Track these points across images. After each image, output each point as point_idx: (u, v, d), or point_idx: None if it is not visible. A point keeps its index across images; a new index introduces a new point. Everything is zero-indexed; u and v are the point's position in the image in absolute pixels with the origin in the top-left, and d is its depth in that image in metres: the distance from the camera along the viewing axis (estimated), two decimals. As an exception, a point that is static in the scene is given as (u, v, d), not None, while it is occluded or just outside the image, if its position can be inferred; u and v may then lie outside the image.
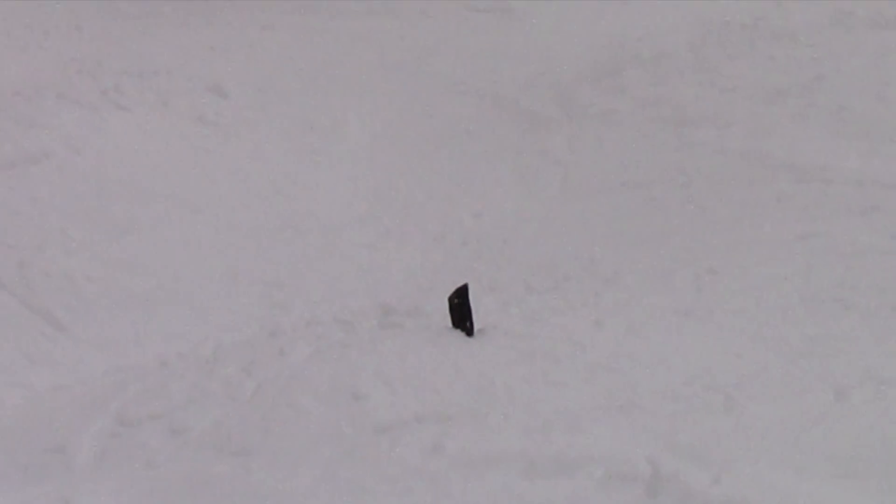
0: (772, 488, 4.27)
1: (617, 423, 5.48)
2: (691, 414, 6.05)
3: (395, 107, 12.15)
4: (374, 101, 12.28)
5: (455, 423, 6.47)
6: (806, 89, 11.38)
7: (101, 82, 12.03)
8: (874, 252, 9.40)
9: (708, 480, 4.37)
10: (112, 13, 12.75)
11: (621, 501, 4.39)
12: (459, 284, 8.56)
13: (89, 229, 10.33)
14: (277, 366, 8.03)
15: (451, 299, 8.48)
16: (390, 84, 12.32)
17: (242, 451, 6.43)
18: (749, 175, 10.79)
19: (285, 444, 6.65)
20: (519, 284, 9.49)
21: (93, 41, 12.66)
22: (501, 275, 9.43)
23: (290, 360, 8.11)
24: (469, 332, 8.40)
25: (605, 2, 13.89)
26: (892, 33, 12.16)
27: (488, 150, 11.56)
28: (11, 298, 9.62)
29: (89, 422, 7.76)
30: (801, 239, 9.85)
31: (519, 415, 6.77)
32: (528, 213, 10.64)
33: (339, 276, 9.81)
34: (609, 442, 4.86)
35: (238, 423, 7.30)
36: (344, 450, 6.08)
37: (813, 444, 4.69)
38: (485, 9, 13.75)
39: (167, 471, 5.73)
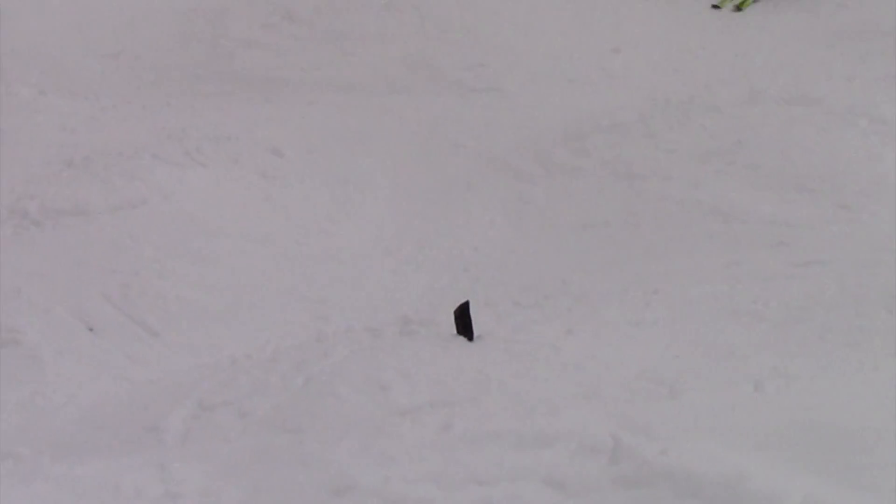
0: (705, 457, 4.30)
1: (585, 407, 5.52)
2: (642, 401, 6.11)
3: (411, 164, 12.18)
4: (395, 160, 12.31)
5: (460, 408, 6.54)
6: (728, 151, 11.43)
7: (186, 145, 12.07)
8: (781, 276, 9.49)
9: (657, 451, 4.41)
10: (195, 92, 12.76)
11: (590, 467, 4.42)
12: (462, 302, 8.62)
13: (176, 259, 10.39)
14: (321, 364, 8.08)
15: (455, 312, 8.52)
16: (408, 147, 12.34)
17: (295, 429, 6.50)
18: (685, 217, 10.82)
19: (328, 423, 6.70)
20: (508, 302, 9.55)
21: (180, 113, 12.68)
22: (494, 294, 9.47)
23: (332, 360, 8.17)
24: (470, 338, 8.44)
25: (574, 84, 13.84)
26: (796, 108, 12.19)
27: (483, 197, 11.58)
28: (117, 312, 9.67)
29: (177, 407, 7.81)
30: (726, 266, 9.91)
31: (509, 401, 6.83)
32: (515, 247, 10.69)
33: (369, 294, 9.87)
34: (579, 422, 4.90)
35: (291, 407, 7.36)
36: (374, 427, 6.15)
37: (737, 424, 4.73)
38: (482, 89, 13.74)
39: (237, 444, 5.77)
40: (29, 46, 14.95)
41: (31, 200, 11.19)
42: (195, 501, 4.69)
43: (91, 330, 9.55)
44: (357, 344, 8.63)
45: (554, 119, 13.03)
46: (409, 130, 13.03)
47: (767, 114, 12.57)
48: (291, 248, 10.74)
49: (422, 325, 8.73)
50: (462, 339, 8.51)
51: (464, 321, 8.62)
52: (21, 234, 10.82)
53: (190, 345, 9.28)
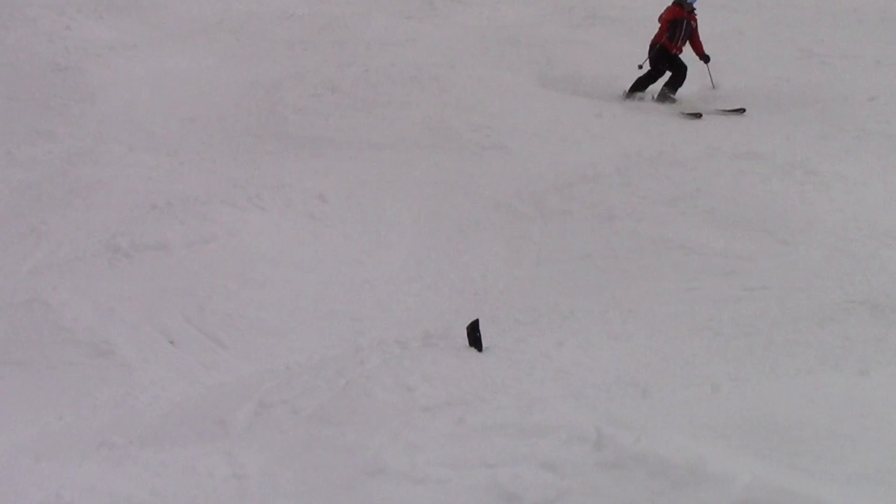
0: (671, 444, 4.30)
1: (573, 405, 5.50)
2: (619, 399, 6.10)
3: (431, 208, 12.18)
4: (418, 204, 12.32)
5: (471, 405, 6.53)
6: (690, 197, 11.42)
7: (248, 192, 12.08)
8: (732, 299, 9.48)
9: (632, 440, 4.39)
10: (256, 149, 12.80)
11: (577, 453, 4.41)
12: (472, 319, 8.60)
13: (240, 285, 10.40)
14: (359, 370, 8.08)
15: (468, 328, 8.50)
16: (428, 193, 12.34)
17: (337, 423, 6.49)
18: (654, 251, 10.82)
19: (364, 418, 6.69)
20: (510, 319, 9.54)
21: (243, 166, 12.73)
22: (499, 313, 9.49)
23: (367, 367, 8.16)
24: (479, 349, 8.42)
25: (564, 142, 13.87)
26: (745, 162, 12.18)
27: (489, 235, 11.60)
28: (193, 328, 9.70)
29: (241, 405, 7.81)
30: (687, 290, 9.89)
31: (511, 400, 6.81)
32: (515, 275, 10.70)
33: (397, 313, 9.91)
34: (569, 416, 4.88)
35: (334, 405, 7.36)
36: (402, 422, 6.12)
37: (697, 418, 4.71)
38: (489, 147, 13.77)
39: (290, 435, 5.77)
40: (121, 113, 15.00)
41: (123, 237, 11.21)
42: (256, 481, 4.69)
43: (172, 343, 9.55)
44: (387, 354, 8.61)
45: (547, 171, 13.03)
46: (429, 180, 13.03)
47: (721, 166, 12.55)
48: (334, 276, 10.74)
49: (440, 339, 8.71)
50: (473, 349, 8.48)
51: (474, 335, 8.61)
52: (115, 265, 10.83)
53: (252, 355, 9.28)
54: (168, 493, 4.55)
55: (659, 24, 16.38)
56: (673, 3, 16.31)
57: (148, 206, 11.93)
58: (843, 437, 4.39)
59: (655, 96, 16.31)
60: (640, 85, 16.42)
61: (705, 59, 16.41)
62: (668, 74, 16.33)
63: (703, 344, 8.43)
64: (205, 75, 16.56)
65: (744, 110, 14.92)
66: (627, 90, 16.44)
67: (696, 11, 16.39)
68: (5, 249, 11.24)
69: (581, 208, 12.05)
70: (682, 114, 15.45)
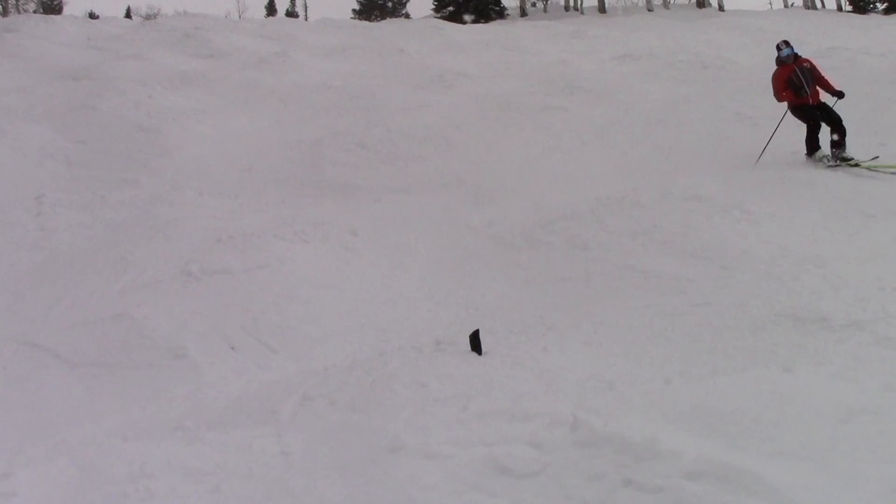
0: (633, 427, 4.30)
1: (554, 396, 5.49)
2: (591, 392, 6.09)
3: (441, 240, 12.23)
4: (431, 238, 12.38)
5: (473, 398, 6.51)
6: (648, 231, 11.48)
7: (294, 228, 12.13)
8: (682, 313, 9.46)
9: (601, 424, 4.39)
10: (300, 193, 12.81)
11: (558, 434, 4.44)
12: (474, 329, 8.62)
13: (288, 302, 10.43)
14: (383, 370, 8.12)
15: (470, 336, 8.52)
16: (439, 229, 12.39)
17: (366, 411, 6.48)
18: (620, 275, 10.83)
19: (388, 407, 6.69)
20: (504, 330, 9.55)
21: (290, 208, 12.82)
22: (495, 325, 9.50)
23: (389, 368, 8.19)
24: (479, 353, 8.43)
25: (547, 188, 13.88)
26: (692, 203, 12.21)
27: (488, 262, 11.65)
28: (250, 337, 9.71)
29: (288, 398, 7.84)
30: (646, 307, 9.87)
31: (505, 393, 6.82)
32: (509, 295, 10.72)
33: (414, 325, 9.91)
34: (551, 405, 4.89)
35: (363, 398, 7.38)
36: (417, 410, 6.11)
37: (654, 407, 4.71)
38: (487, 189, 13.79)
39: (328, 420, 5.77)
40: (192, 165, 15.07)
41: (194, 264, 11.25)
42: (299, 457, 4.72)
43: (233, 348, 9.56)
44: (406, 358, 8.62)
45: (534, 210, 13.06)
46: (439, 218, 13.08)
47: (673, 207, 12.58)
48: (363, 295, 10.75)
49: (448, 345, 8.73)
50: (474, 354, 8.50)
51: (475, 342, 8.63)
52: (187, 286, 10.86)
53: (298, 358, 9.28)
54: (229, 466, 4.57)
55: (774, 87, 14.81)
56: (778, 66, 14.91)
57: (214, 239, 11.98)
58: (770, 421, 4.42)
59: (830, 161, 14.23)
60: (811, 143, 14.60)
61: (839, 95, 14.63)
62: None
63: (659, 349, 8.43)
64: (259, 134, 16.64)
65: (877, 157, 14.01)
66: (807, 154, 14.68)
67: (799, 54, 15.02)
68: (100, 274, 11.28)
69: (561, 240, 12.07)
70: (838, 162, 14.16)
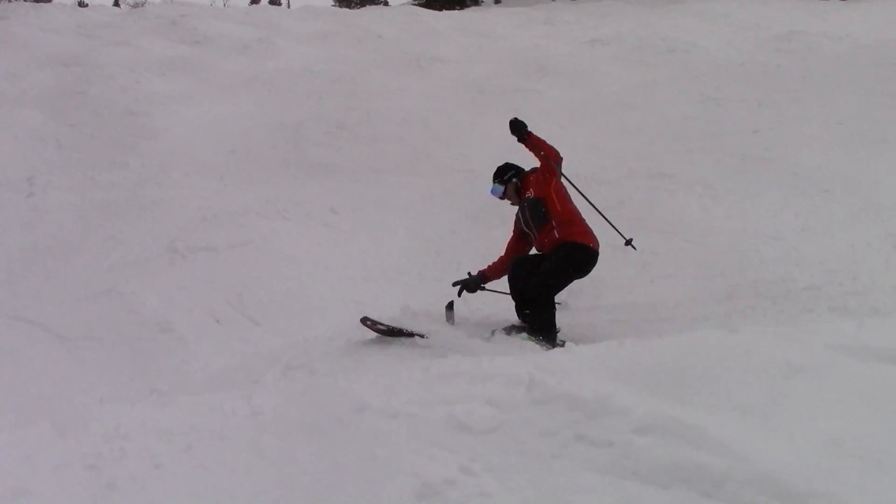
0: (586, 385, 4.37)
1: (513, 357, 5.53)
2: (548, 353, 6.15)
3: (418, 218, 12.31)
4: (408, 216, 12.45)
5: (435, 360, 6.56)
6: (615, 207, 11.56)
7: (277, 207, 12.16)
8: (648, 284, 9.51)
9: (556, 382, 4.45)
10: (283, 174, 12.85)
11: (515, 393, 4.51)
12: (448, 301, 8.70)
13: (270, 278, 10.44)
14: (361, 337, 8.12)
15: (446, 307, 8.63)
16: (416, 207, 12.44)
17: (333, 374, 6.46)
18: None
19: (355, 369, 6.73)
20: (478, 302, 9.66)
21: (274, 187, 12.80)
22: (470, 298, 9.49)
23: (367, 335, 8.21)
24: (452, 323, 8.51)
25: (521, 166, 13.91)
26: (657, 180, 12.25)
27: (463, 239, 11.79)
28: (234, 311, 9.74)
29: (271, 369, 7.92)
30: (613, 278, 9.93)
31: (468, 357, 6.92)
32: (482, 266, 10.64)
33: (391, 299, 9.87)
34: (509, 366, 4.93)
35: (344, 366, 7.45)
36: (381, 373, 6.07)
37: (607, 366, 4.77)
38: (462, 170, 14.02)
39: (307, 386, 5.79)
40: (179, 147, 15.02)
41: (180, 242, 11.25)
42: (269, 417, 4.75)
43: (218, 322, 9.57)
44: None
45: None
46: (416, 197, 13.10)
47: (639, 184, 12.68)
48: (343, 271, 10.77)
49: (424, 316, 8.75)
50: (448, 323, 8.59)
51: (449, 312, 8.72)
52: (173, 264, 10.87)
53: (280, 331, 9.29)
54: (201, 426, 4.61)
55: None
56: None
57: (200, 218, 11.98)
58: (716, 378, 4.48)
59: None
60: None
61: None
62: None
63: (618, 316, 8.57)
64: (243, 118, 16.58)
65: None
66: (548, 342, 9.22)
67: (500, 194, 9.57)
68: (89, 253, 11.28)
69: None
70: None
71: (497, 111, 16.90)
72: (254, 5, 39.03)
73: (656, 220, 11.44)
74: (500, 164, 9.48)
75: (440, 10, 29.01)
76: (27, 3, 26.02)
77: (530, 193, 8.93)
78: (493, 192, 9.42)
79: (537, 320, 8.21)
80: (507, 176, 9.33)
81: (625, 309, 9.18)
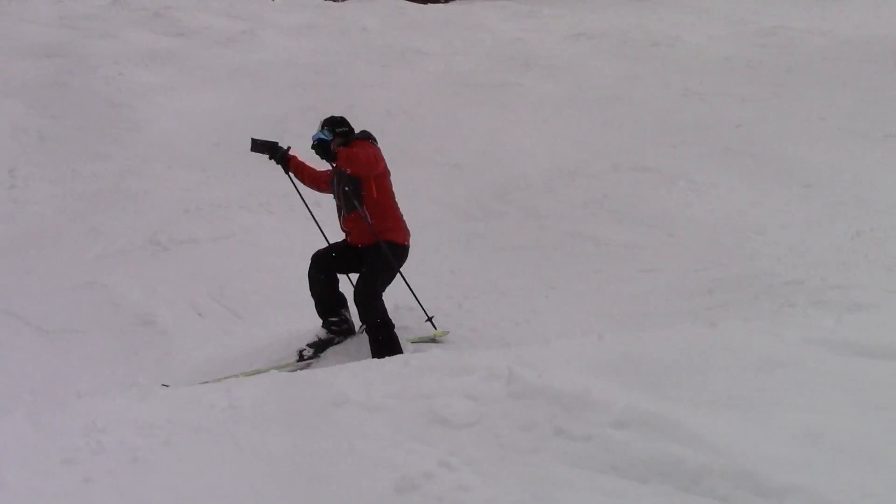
0: (565, 379, 4.35)
1: (493, 351, 5.54)
2: (528, 347, 6.14)
3: (402, 211, 12.16)
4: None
5: (414, 353, 6.59)
6: (599, 201, 11.80)
7: (260, 199, 12.16)
8: (630, 278, 9.71)
9: (535, 376, 4.45)
10: (266, 166, 12.75)
11: (494, 386, 4.51)
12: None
13: (254, 270, 10.46)
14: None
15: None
16: (400, 200, 12.35)
17: (327, 369, 6.41)
18: (571, 243, 10.99)
19: (333, 364, 6.71)
20: (461, 295, 9.68)
21: (256, 180, 12.73)
22: (452, 291, 9.67)
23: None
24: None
25: (502, 160, 14.01)
26: (640, 174, 12.20)
27: (447, 231, 11.83)
28: (216, 304, 9.73)
29: (254, 361, 7.85)
30: (595, 272, 10.11)
31: (447, 349, 6.95)
32: (466, 262, 10.82)
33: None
34: (488, 359, 4.93)
35: (324, 359, 7.41)
36: (362, 366, 6.05)
37: (586, 360, 4.78)
38: (445, 164, 14.09)
39: (287, 378, 5.73)
40: (162, 139, 14.99)
41: (162, 234, 11.23)
42: (248, 410, 4.74)
43: (200, 315, 9.56)
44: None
45: (490, 182, 13.12)
46: (401, 191, 13.01)
47: (622, 178, 12.68)
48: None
49: (406, 309, 8.76)
50: (429, 323, 8.59)
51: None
52: (156, 256, 10.86)
53: (263, 323, 9.28)
54: (179, 419, 4.59)
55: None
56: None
57: (182, 210, 11.96)
58: (695, 371, 4.49)
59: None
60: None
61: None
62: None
63: (601, 310, 8.60)
64: (228, 110, 16.53)
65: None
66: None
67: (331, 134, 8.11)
68: (73, 244, 11.25)
69: (516, 210, 12.16)
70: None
71: (482, 105, 16.91)
72: (238, -3, 38.81)
73: (640, 214, 11.45)
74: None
75: (425, 2, 28.90)
76: (10, -6, 25.86)
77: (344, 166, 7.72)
78: (315, 136, 7.84)
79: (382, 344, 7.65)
80: (339, 129, 8.09)
81: (606, 303, 9.20)
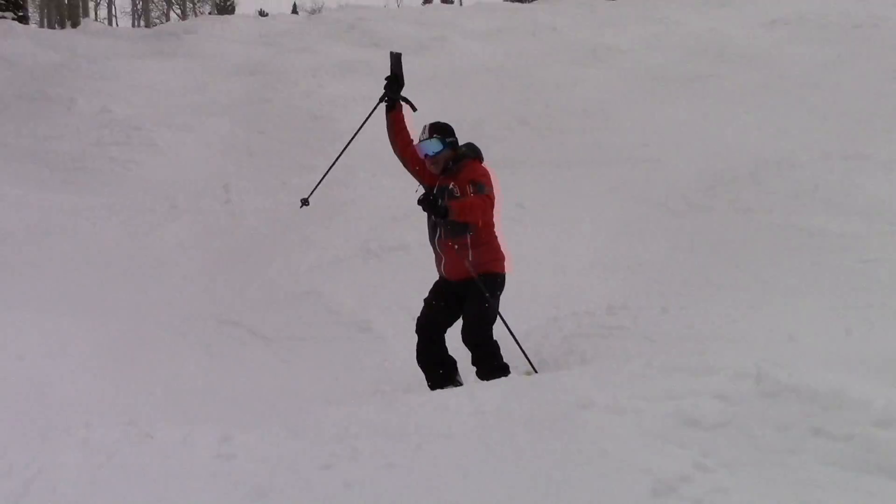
0: (818, 377, 4.29)
1: (737, 350, 5.42)
2: (772, 345, 5.99)
3: (604, 209, 12.52)
4: (594, 207, 12.59)
5: (656, 353, 6.46)
6: (810, 192, 11.41)
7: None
8: (850, 270, 9.40)
9: (785, 374, 4.39)
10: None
11: (743, 386, 4.48)
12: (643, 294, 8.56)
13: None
14: (558, 335, 8.11)
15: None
16: (601, 199, 12.68)
17: (568, 372, 6.32)
18: (783, 235, 10.75)
19: (574, 367, 6.67)
20: (674, 293, 9.58)
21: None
22: (664, 288, 9.61)
23: (564, 332, 8.19)
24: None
25: (705, 153, 13.68)
26: (853, 161, 11.78)
27: (651, 228, 12.09)
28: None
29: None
30: (812, 265, 9.87)
31: (688, 347, 6.82)
32: (674, 258, 11.01)
33: (583, 292, 9.82)
34: (734, 358, 4.81)
35: (552, 360, 7.39)
36: (604, 366, 6.00)
37: (836, 356, 4.65)
38: (645, 160, 13.96)
39: (529, 382, 5.72)
40: (364, 148, 15.17)
41: (373, 242, 11.51)
42: (493, 414, 4.76)
43: (415, 320, 9.70)
44: (580, 322, 8.70)
45: (692, 176, 12.91)
46: (600, 188, 13.03)
47: (834, 166, 12.22)
48: (533, 265, 10.59)
49: (620, 308, 8.71)
50: (646, 315, 8.47)
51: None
52: (367, 262, 11.13)
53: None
54: (427, 425, 4.68)
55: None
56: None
57: (390, 217, 12.20)
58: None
59: None
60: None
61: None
62: None
63: (829, 303, 8.27)
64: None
65: None
66: None
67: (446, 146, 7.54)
68: (287, 254, 11.62)
69: (722, 204, 11.91)
70: None
71: (678, 98, 16.67)
72: (427, 5, 39.42)
73: (855, 203, 11.03)
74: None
75: (611, -1, 28.61)
76: (213, 17, 27.07)
77: (454, 186, 7.12)
78: (426, 147, 7.47)
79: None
80: (450, 139, 7.41)
81: (826, 296, 8.87)
